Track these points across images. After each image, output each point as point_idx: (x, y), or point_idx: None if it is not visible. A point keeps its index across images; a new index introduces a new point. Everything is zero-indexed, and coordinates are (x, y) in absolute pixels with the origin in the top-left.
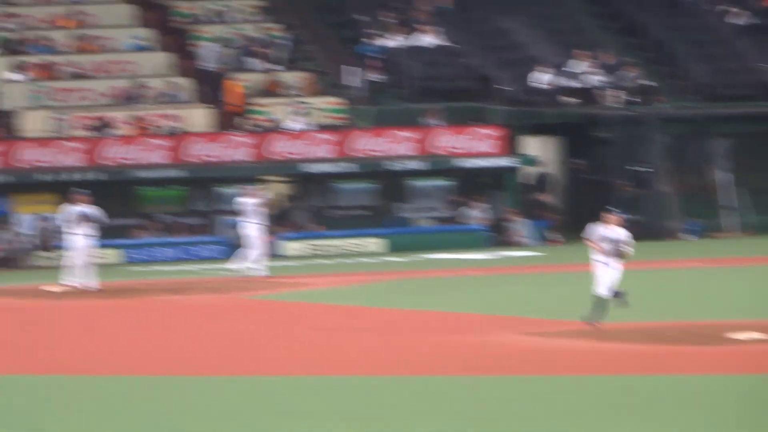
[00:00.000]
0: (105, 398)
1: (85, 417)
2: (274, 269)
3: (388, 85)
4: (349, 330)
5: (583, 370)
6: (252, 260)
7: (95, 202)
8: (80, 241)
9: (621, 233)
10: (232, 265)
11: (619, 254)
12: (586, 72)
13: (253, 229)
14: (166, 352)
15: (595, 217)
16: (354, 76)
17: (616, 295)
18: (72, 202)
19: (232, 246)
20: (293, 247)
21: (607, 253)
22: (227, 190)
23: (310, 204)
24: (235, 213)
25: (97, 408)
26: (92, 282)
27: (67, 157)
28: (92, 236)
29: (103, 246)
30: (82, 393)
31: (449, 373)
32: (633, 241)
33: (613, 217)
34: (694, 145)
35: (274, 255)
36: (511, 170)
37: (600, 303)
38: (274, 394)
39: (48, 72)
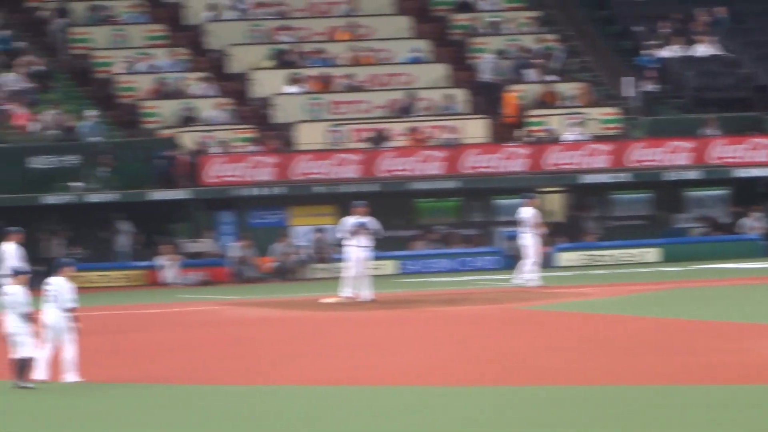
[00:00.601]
0: (382, 408)
1: (362, 427)
2: (550, 279)
3: (663, 95)
4: (624, 339)
5: None
6: (528, 270)
7: (372, 214)
8: (357, 253)
9: None
10: (517, 280)
11: None
12: None
13: (529, 239)
14: (436, 363)
15: None
16: (630, 87)
17: None
18: (350, 213)
19: (508, 257)
20: (569, 257)
21: None
22: (503, 201)
23: (586, 215)
24: (512, 224)
25: (371, 419)
26: (368, 293)
27: (344, 169)
28: (368, 247)
29: (380, 257)
30: (359, 403)
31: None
32: None
33: None
34: None
35: (550, 265)
36: None
37: None
38: (544, 405)
39: (324, 84)
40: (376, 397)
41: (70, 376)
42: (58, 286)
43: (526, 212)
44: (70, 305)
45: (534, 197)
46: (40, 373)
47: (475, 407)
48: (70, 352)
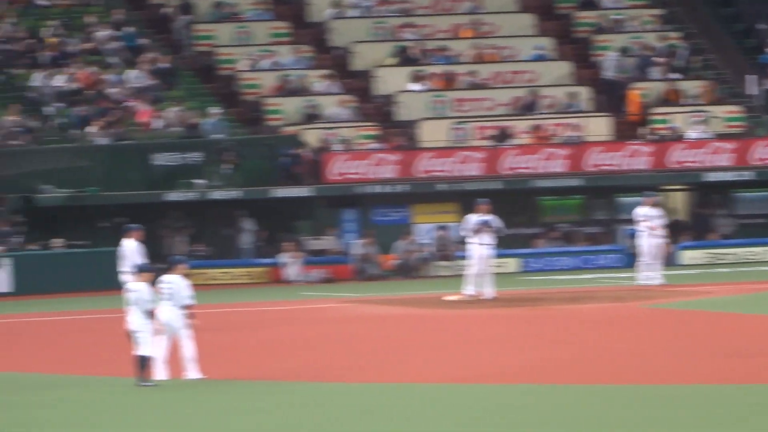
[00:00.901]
0: (504, 406)
1: (485, 424)
2: (674, 278)
3: None
4: (745, 339)
5: None
6: (649, 269)
7: (495, 212)
8: (480, 251)
9: None
10: (640, 279)
11: None
12: None
13: (650, 238)
14: (559, 361)
15: None
16: (753, 84)
17: None
18: (473, 211)
19: (631, 255)
20: (692, 255)
21: None
22: (626, 199)
23: (709, 213)
24: (634, 222)
25: (493, 416)
26: (490, 291)
27: (467, 167)
28: (491, 245)
29: (502, 255)
30: (482, 400)
31: None
32: None
33: None
34: None
35: (673, 264)
36: None
37: None
38: (666, 403)
39: (447, 82)
40: (500, 395)
41: (192, 374)
42: (174, 283)
43: (644, 211)
44: (187, 302)
45: (652, 196)
46: (160, 372)
47: (597, 405)
48: (188, 349)
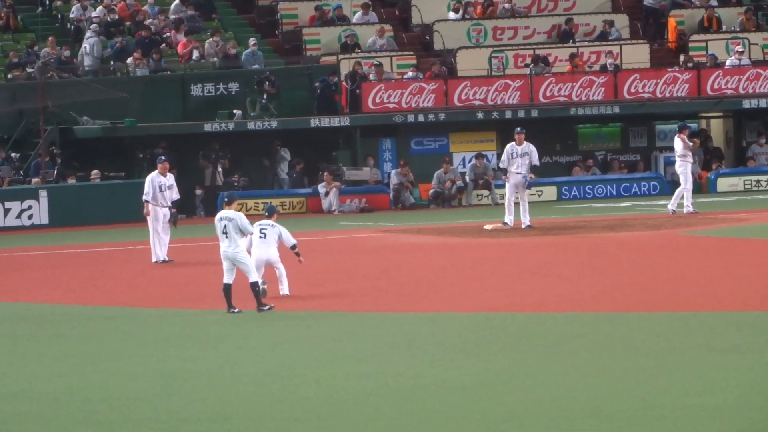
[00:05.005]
0: (543, 334)
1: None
2: (711, 205)
3: None
4: None
5: None
6: (685, 197)
7: (532, 140)
8: (515, 179)
9: None
10: (671, 204)
11: None
12: None
13: (686, 165)
14: (597, 289)
15: None
16: None
17: None
18: (510, 140)
19: (668, 183)
20: (729, 182)
21: None
22: (664, 126)
23: (747, 140)
24: (672, 149)
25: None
26: (527, 219)
27: (505, 96)
28: (527, 174)
29: (540, 183)
30: (520, 328)
31: None
32: None
33: None
34: None
35: (710, 191)
36: None
37: None
38: (710, 330)
39: (486, 11)
40: (538, 323)
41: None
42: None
43: (681, 139)
44: (248, 233)
45: (687, 127)
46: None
47: (636, 332)
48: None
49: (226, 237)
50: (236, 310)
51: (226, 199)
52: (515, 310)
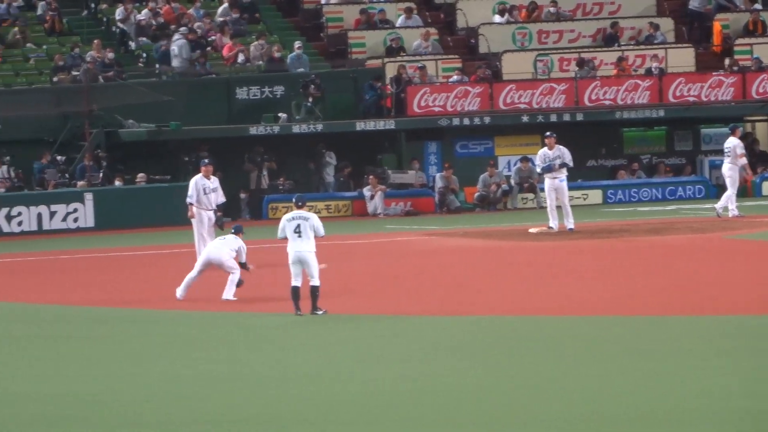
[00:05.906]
0: (587, 337)
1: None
2: (756, 209)
3: None
4: None
5: None
6: (730, 200)
7: (576, 143)
8: (552, 183)
9: None
10: (718, 206)
11: None
12: None
13: (732, 168)
14: (641, 292)
15: None
16: None
17: None
18: (545, 145)
19: (713, 186)
20: None
21: None
22: (709, 130)
23: None
24: (718, 153)
25: (576, 348)
26: (569, 223)
27: (549, 99)
28: (565, 178)
29: (585, 187)
30: (564, 332)
31: None
32: None
33: None
34: None
35: (755, 195)
36: None
37: None
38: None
39: (531, 14)
40: (581, 327)
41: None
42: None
43: (731, 142)
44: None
45: (739, 127)
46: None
47: (684, 336)
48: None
49: (299, 236)
50: (300, 313)
51: (298, 202)
52: (561, 314)
